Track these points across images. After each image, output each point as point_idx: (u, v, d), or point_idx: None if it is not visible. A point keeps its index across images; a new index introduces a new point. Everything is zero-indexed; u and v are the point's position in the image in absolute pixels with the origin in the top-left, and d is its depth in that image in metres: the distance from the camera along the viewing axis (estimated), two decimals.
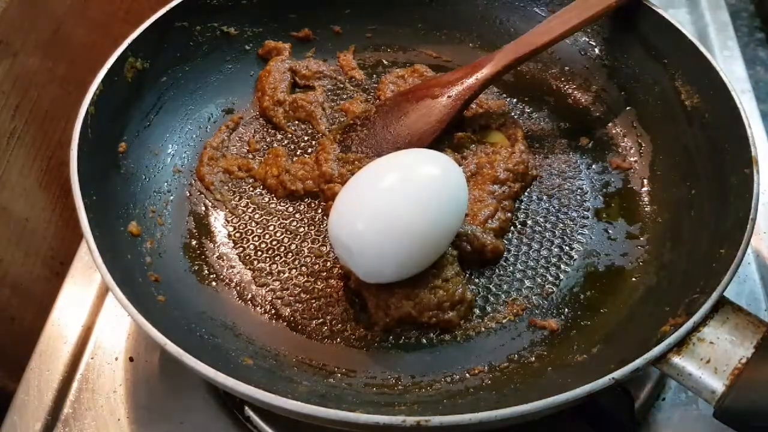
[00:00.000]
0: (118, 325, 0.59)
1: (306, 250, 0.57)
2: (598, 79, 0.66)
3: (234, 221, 0.59)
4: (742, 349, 0.42)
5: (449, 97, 0.61)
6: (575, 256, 0.56)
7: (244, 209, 0.60)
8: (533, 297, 0.54)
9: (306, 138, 0.65)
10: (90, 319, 0.60)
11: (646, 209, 0.59)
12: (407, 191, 0.49)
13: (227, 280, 0.55)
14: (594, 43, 0.67)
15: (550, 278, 0.55)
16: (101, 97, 0.55)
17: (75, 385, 0.56)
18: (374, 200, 0.49)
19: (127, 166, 0.58)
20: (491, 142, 0.62)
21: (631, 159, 0.62)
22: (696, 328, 0.43)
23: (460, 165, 0.58)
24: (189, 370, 0.43)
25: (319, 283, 0.55)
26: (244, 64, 0.68)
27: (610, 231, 0.58)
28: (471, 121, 0.63)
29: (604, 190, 0.61)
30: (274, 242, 0.57)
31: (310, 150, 0.64)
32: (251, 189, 0.61)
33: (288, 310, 0.54)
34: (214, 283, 0.55)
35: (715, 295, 0.44)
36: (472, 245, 0.54)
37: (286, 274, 0.56)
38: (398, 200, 0.48)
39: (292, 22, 0.70)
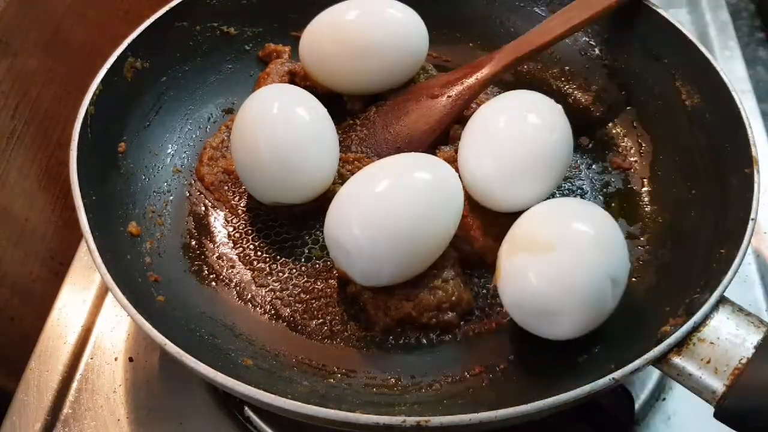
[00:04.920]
0: (118, 325, 0.59)
1: (306, 251, 0.57)
2: (598, 79, 0.66)
3: (234, 221, 0.59)
4: (743, 349, 0.42)
5: (449, 97, 0.61)
6: None
7: (244, 209, 0.60)
8: None
9: None
10: (89, 320, 0.60)
11: (647, 209, 0.59)
12: (403, 195, 0.49)
13: (227, 280, 0.55)
14: (594, 43, 0.67)
15: None
16: (101, 97, 0.55)
17: (75, 385, 0.56)
18: (371, 203, 0.49)
19: (127, 166, 0.58)
20: None
21: (632, 159, 0.62)
22: (696, 328, 0.43)
23: None
24: (189, 370, 0.43)
25: (319, 283, 0.55)
26: (244, 64, 0.68)
27: None
28: None
29: (605, 190, 0.61)
30: (274, 242, 0.57)
31: None
32: None
33: (288, 310, 0.54)
34: (213, 283, 0.55)
35: (715, 295, 0.44)
36: (472, 246, 0.54)
37: (286, 274, 0.56)
38: (394, 204, 0.48)
39: (293, 22, 0.69)
